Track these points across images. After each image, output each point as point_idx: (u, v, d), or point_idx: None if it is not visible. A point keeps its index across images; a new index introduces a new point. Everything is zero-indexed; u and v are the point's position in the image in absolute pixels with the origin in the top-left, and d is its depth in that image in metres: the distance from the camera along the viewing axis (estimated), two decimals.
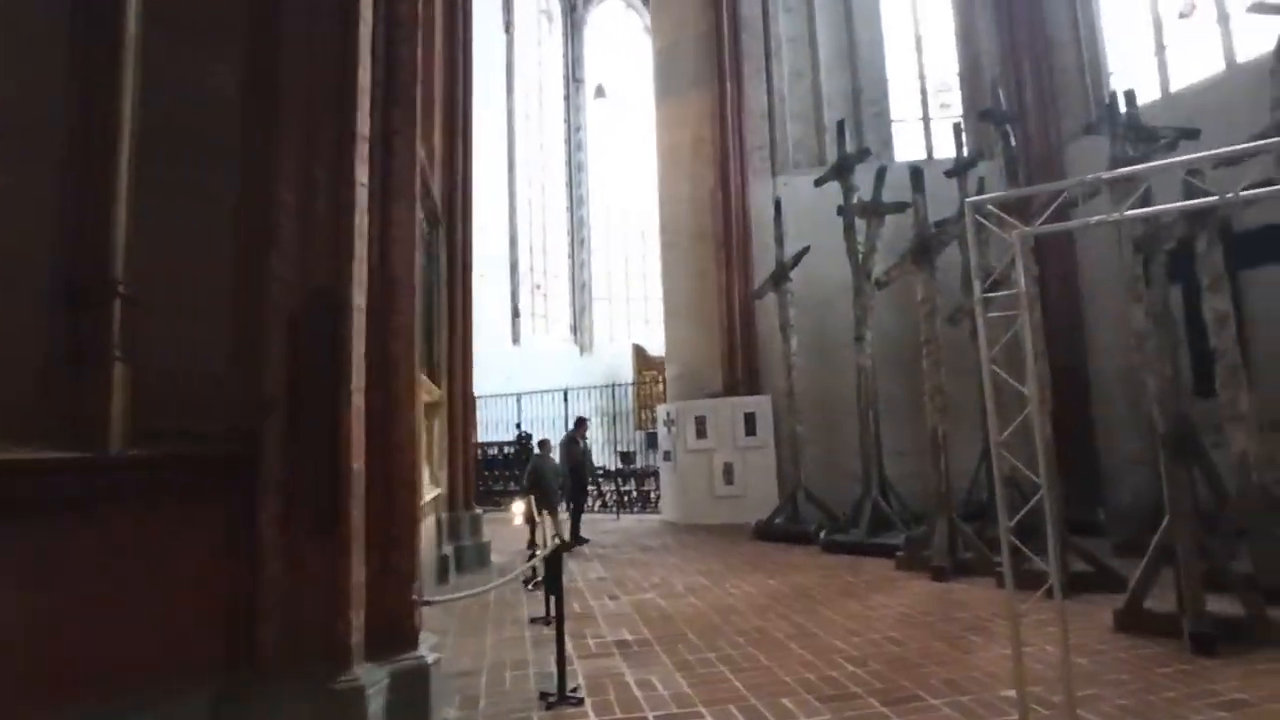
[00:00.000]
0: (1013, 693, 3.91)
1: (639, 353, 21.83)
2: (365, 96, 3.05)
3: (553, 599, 4.58)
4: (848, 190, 10.07)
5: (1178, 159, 4.10)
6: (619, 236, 25.33)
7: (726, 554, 8.76)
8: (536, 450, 10.29)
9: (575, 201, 23.95)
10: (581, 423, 10.75)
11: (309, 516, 2.75)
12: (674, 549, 9.36)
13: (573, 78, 24.13)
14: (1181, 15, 10.44)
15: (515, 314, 19.91)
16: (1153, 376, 7.45)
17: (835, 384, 11.75)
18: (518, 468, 16.16)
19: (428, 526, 7.36)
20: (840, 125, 10.67)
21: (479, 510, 9.67)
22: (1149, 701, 3.80)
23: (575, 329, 23.27)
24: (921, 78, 12.83)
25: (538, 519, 6.93)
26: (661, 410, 12.57)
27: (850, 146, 10.54)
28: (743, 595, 6.64)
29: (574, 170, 23.96)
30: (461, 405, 9.28)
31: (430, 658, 3.17)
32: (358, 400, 2.92)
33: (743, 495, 11.20)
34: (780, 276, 10.00)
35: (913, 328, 11.88)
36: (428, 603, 3.43)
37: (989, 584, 6.58)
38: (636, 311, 25.03)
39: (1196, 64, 10.21)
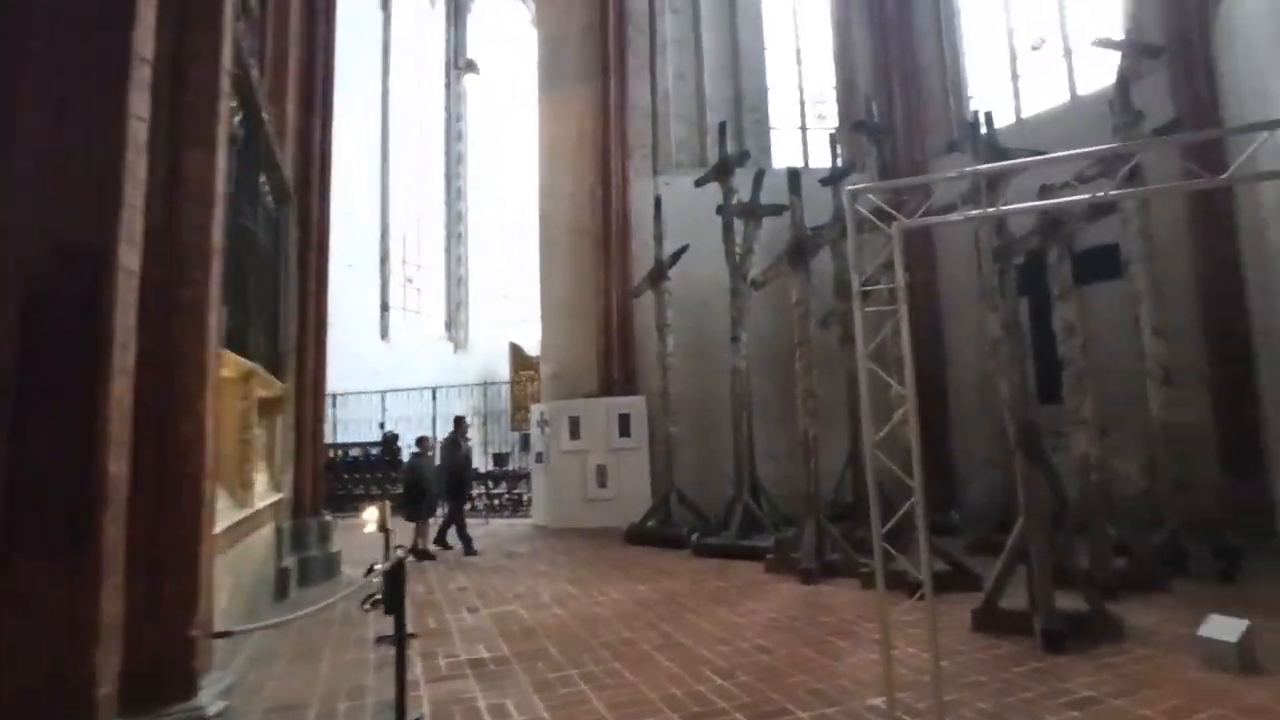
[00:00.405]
0: (879, 701, 3.80)
1: (516, 351, 21.12)
2: (150, 6, 2.43)
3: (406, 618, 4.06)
4: (728, 192, 10.04)
5: (1060, 155, 4.12)
6: (499, 232, 24.54)
7: (597, 560, 8.42)
8: (414, 450, 9.61)
9: (454, 194, 22.96)
10: (461, 423, 10.02)
11: (41, 531, 2.12)
12: (543, 555, 8.93)
13: (455, 65, 23.14)
14: (1033, 48, 11.19)
15: (384, 308, 18.76)
16: (1006, 383, 7.80)
17: (711, 385, 11.73)
18: (382, 470, 15.15)
19: (263, 537, 6.55)
20: (722, 127, 10.64)
21: (331, 517, 8.83)
22: (1007, 704, 3.78)
23: (450, 325, 22.27)
24: (800, 89, 13.12)
25: (392, 527, 6.32)
26: (535, 410, 12.10)
27: (731, 149, 10.55)
28: (611, 604, 6.31)
29: (453, 161, 22.96)
30: (312, 402, 8.41)
31: (213, 707, 2.59)
32: (121, 388, 2.31)
33: (616, 498, 10.92)
34: (659, 275, 9.81)
35: (787, 330, 12.05)
36: (222, 634, 2.84)
37: (854, 585, 6.61)
38: (515, 309, 24.27)
39: (1045, 94, 10.97)
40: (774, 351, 11.44)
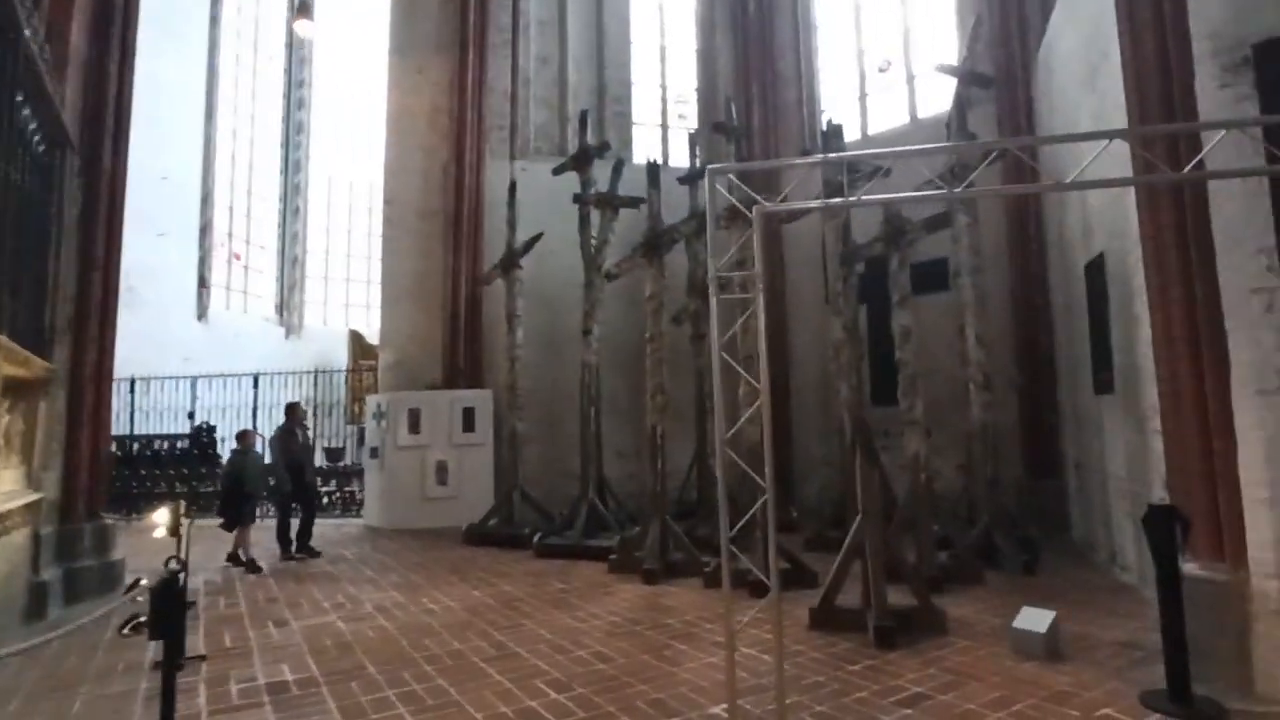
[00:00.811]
0: (721, 709, 3.63)
1: (357, 340, 19.74)
2: None
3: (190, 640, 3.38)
4: (585, 182, 9.75)
5: (929, 146, 4.12)
6: (343, 211, 22.86)
7: (431, 563, 7.83)
8: (236, 445, 8.34)
9: (292, 165, 21.04)
10: (296, 410, 8.85)
11: None
12: (371, 559, 8.19)
13: (291, 10, 21.17)
14: (880, 70, 11.80)
15: (202, 284, 16.79)
16: (845, 384, 8.06)
17: (560, 380, 11.42)
18: (190, 466, 13.47)
19: (11, 545, 5.44)
20: (584, 116, 10.33)
21: (115, 519, 7.61)
22: (844, 705, 3.74)
23: (282, 308, 20.40)
24: (663, 86, 13.10)
25: (183, 531, 5.46)
26: (371, 402, 11.20)
27: (592, 139, 10.28)
28: (442, 612, 5.80)
29: (292, 130, 21.05)
30: (94, 386, 7.17)
31: None
32: None
33: (456, 496, 10.31)
34: (510, 263, 9.35)
35: (638, 326, 11.98)
36: None
37: (697, 585, 6.52)
38: (358, 295, 22.74)
39: (889, 114, 11.61)
40: (625, 347, 11.31)
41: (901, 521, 6.82)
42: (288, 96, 20.93)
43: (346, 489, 12.76)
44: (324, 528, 10.86)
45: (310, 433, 9.14)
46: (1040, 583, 6.37)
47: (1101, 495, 7.06)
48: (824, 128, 9.46)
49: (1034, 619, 4.53)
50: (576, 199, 9.07)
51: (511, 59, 11.86)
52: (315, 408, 12.62)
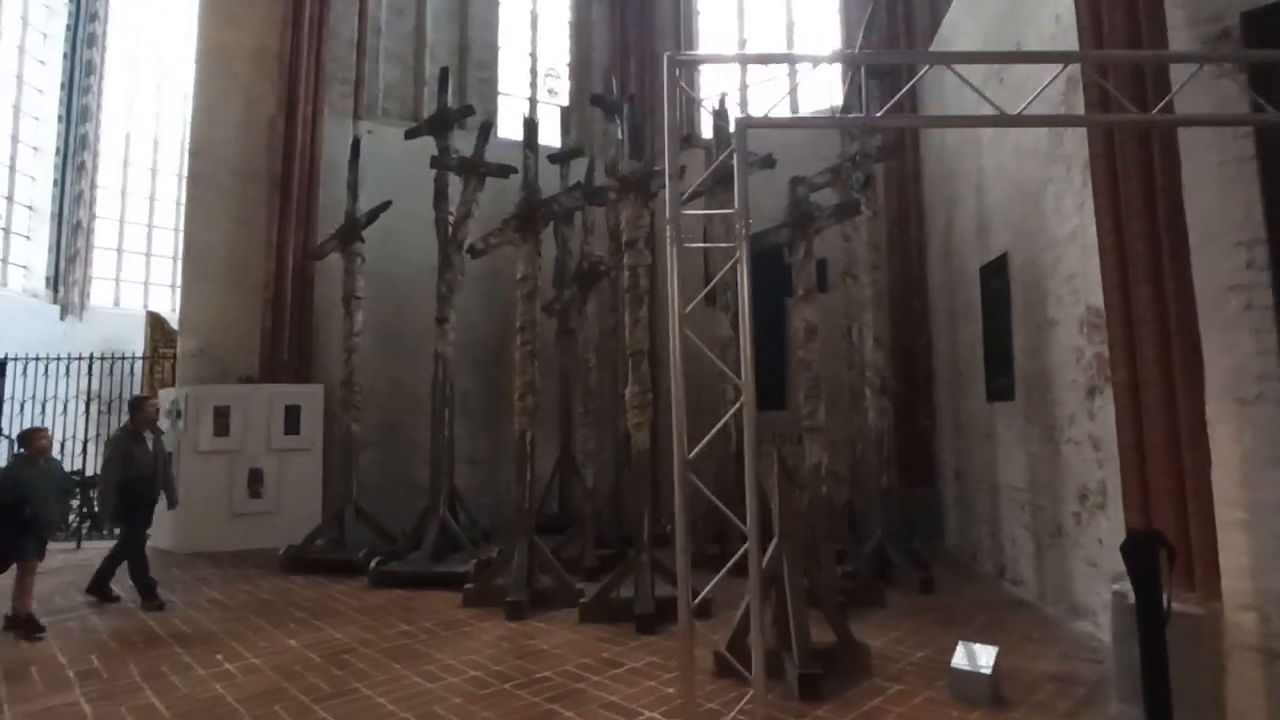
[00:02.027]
0: None
1: (157, 324, 16.73)
2: None
3: None
4: (444, 149, 8.45)
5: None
6: (144, 175, 19.54)
7: (237, 600, 6.23)
8: (18, 450, 5.93)
9: (77, 113, 17.55)
10: (142, 407, 6.47)
11: None
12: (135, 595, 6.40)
13: None
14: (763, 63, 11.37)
15: None
16: (731, 387, 7.35)
17: (403, 377, 9.99)
18: None
19: None
20: (444, 74, 9.00)
21: None
22: None
23: (56, 282, 16.95)
24: (533, 56, 11.95)
25: None
26: (165, 397, 9.15)
27: (454, 103, 8.99)
28: (244, 677, 4.38)
29: (80, 70, 17.57)
30: None
31: None
32: None
33: (275, 512, 8.59)
34: (350, 233, 7.84)
35: (494, 319, 10.84)
36: None
37: (571, 619, 5.51)
38: (162, 272, 19.54)
39: (769, 106, 11.20)
40: (479, 342, 10.08)
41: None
42: (73, 29, 17.48)
43: None
44: (94, 553, 8.72)
45: (161, 435, 6.54)
46: (940, 602, 5.97)
47: (989, 506, 6.85)
48: (715, 107, 8.85)
49: (974, 657, 3.96)
50: (435, 163, 7.75)
51: (359, 2, 10.24)
52: (90, 402, 10.22)
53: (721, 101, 8.14)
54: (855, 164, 6.97)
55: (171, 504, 6.59)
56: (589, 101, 9.38)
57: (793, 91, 10.99)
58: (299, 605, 5.97)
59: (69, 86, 17.48)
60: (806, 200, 5.95)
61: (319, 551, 7.39)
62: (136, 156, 19.40)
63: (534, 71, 11.93)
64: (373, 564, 6.69)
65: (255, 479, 8.60)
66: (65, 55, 17.44)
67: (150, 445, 6.33)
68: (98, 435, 11.60)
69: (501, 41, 11.59)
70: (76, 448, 10.56)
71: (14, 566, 5.44)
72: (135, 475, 6.14)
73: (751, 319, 2.98)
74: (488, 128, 7.74)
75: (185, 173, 19.04)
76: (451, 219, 8.41)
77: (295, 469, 8.79)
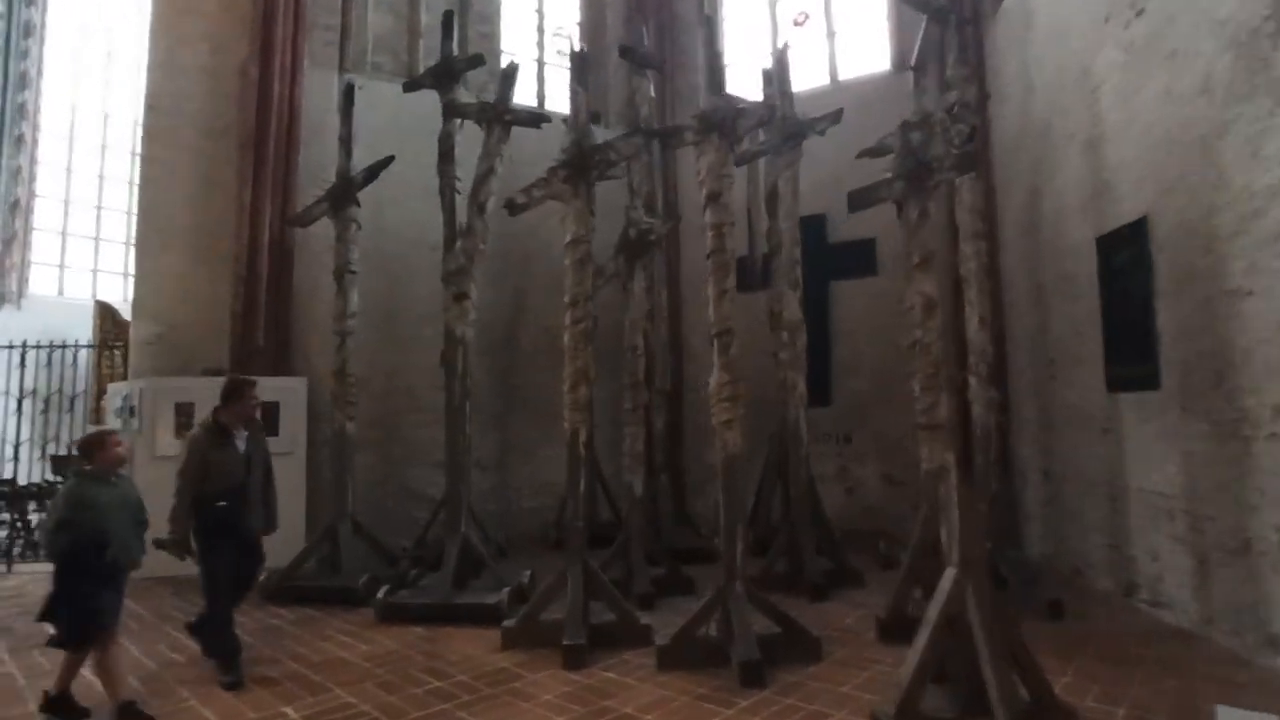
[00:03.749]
0: None
1: (107, 314, 15.11)
2: None
3: None
4: (449, 103, 7.23)
5: None
6: (92, 150, 17.77)
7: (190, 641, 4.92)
8: (77, 466, 4.02)
9: (14, 80, 15.78)
10: (241, 391, 4.61)
11: None
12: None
13: None
14: (795, 23, 10.35)
15: None
16: (798, 378, 6.28)
17: (399, 369, 8.76)
18: None
19: None
20: (448, 17, 7.76)
21: None
22: None
23: None
24: (540, 13, 10.73)
25: None
26: (115, 393, 7.75)
27: (458, 50, 7.78)
28: None
29: (16, 32, 15.81)
30: None
31: None
32: None
33: None
34: (344, 195, 6.55)
35: (510, 302, 9.61)
36: None
37: (644, 665, 4.36)
38: (112, 258, 17.80)
39: (806, 74, 10.15)
40: (485, 324, 8.83)
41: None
42: None
43: None
44: (27, 577, 7.31)
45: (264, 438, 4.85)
46: (1077, 630, 4.95)
47: (1108, 512, 5.86)
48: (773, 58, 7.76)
49: None
50: (449, 110, 6.51)
51: None
52: (24, 399, 8.71)
53: (782, 56, 7.02)
54: (954, 116, 5.92)
55: (268, 528, 4.72)
56: (618, 55, 8.17)
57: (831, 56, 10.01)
58: (292, 653, 4.69)
59: (4, 50, 15.72)
60: (924, 148, 4.86)
61: (309, 577, 6.10)
62: (83, 132, 17.62)
63: (540, 30, 10.71)
64: (380, 593, 5.43)
65: None
66: (2, 15, 15.67)
67: (242, 448, 4.49)
68: (31, 438, 10.09)
69: None
70: (8, 452, 9.05)
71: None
72: (215, 490, 4.27)
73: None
74: (513, 71, 6.51)
75: (140, 131, 17.48)
76: (459, 184, 7.21)
77: (278, 476, 7.44)
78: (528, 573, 5.96)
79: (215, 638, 4.29)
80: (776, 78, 6.75)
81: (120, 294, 17.06)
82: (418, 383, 8.67)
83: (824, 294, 9.33)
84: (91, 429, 4.23)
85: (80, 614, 3.61)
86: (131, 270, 17.68)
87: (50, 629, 3.79)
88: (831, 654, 4.47)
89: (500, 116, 6.15)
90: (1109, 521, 5.86)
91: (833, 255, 9.35)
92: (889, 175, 4.98)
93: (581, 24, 10.86)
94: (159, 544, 4.14)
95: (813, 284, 7.99)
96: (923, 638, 3.30)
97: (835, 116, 6.67)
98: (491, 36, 10.12)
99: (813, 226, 8.56)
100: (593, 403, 5.17)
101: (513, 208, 4.99)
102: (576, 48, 5.49)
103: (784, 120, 6.46)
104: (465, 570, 5.73)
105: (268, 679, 4.22)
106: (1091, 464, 6.13)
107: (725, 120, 4.60)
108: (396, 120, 8.39)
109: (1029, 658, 3.35)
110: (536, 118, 6.32)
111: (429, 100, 7.91)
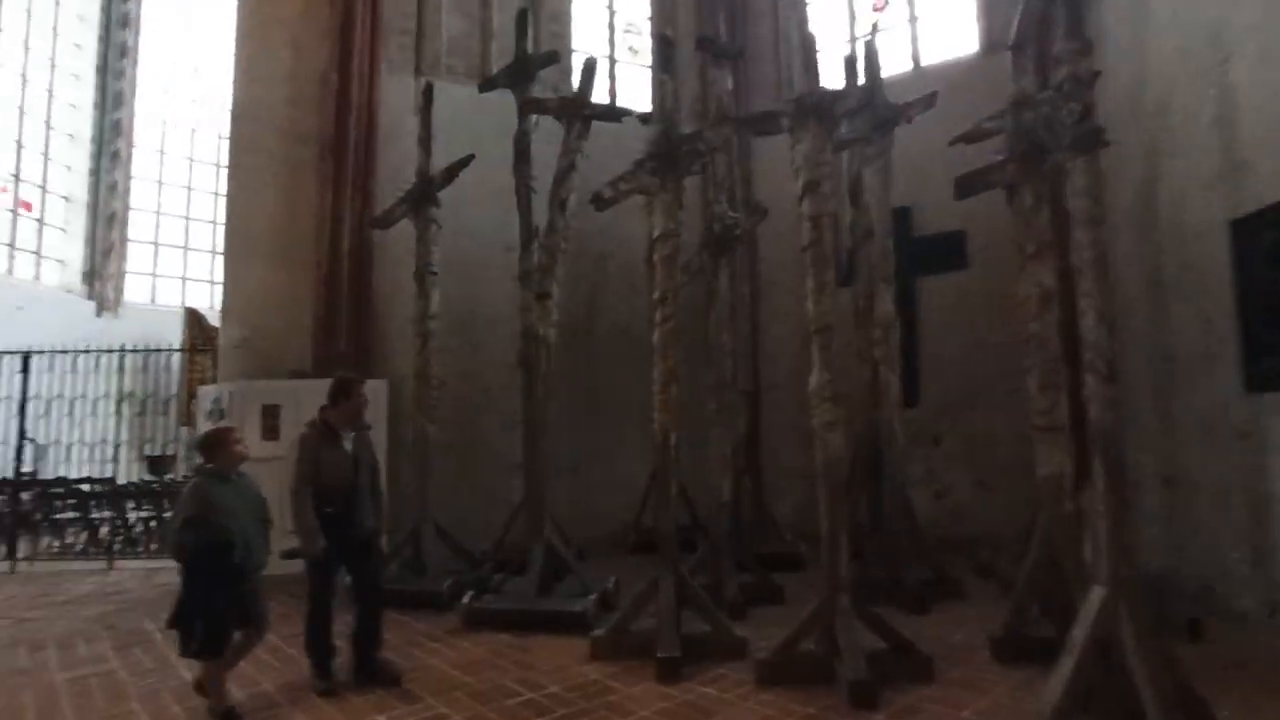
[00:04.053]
0: None
1: (196, 320, 15.78)
2: None
3: None
4: (527, 101, 7.18)
5: None
6: (181, 165, 18.59)
7: (295, 647, 4.92)
8: (199, 463, 3.87)
9: (111, 99, 16.64)
10: (349, 389, 4.46)
11: None
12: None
13: None
14: (875, 9, 9.95)
15: None
16: (894, 377, 5.93)
17: (475, 371, 8.74)
18: None
19: None
20: (522, 15, 7.73)
21: None
22: None
23: (92, 276, 16.04)
24: (611, 9, 10.61)
25: None
26: (205, 395, 7.96)
27: (533, 48, 7.72)
28: None
29: (113, 53, 16.67)
30: None
31: None
32: None
33: None
34: (424, 195, 6.54)
35: (583, 299, 9.49)
36: None
37: (742, 679, 4.13)
38: (200, 267, 18.58)
39: (886, 60, 9.73)
40: (559, 324, 8.67)
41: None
42: (107, 10, 16.56)
43: (165, 515, 9.30)
44: (127, 574, 7.56)
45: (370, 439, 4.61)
46: (1219, 654, 4.48)
47: (1250, 525, 5.31)
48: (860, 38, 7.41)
49: None
50: (527, 106, 6.43)
51: None
52: (121, 401, 9.06)
53: (871, 39, 6.67)
54: (1065, 93, 5.47)
55: (369, 537, 4.38)
56: (695, 46, 7.97)
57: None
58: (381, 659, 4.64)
59: (102, 70, 16.58)
60: (1047, 126, 4.48)
61: (393, 580, 6.06)
62: (173, 145, 18.44)
63: (611, 27, 10.59)
64: (465, 598, 5.35)
65: None
66: (100, 38, 16.53)
67: (350, 449, 4.28)
68: (129, 439, 10.53)
69: None
70: (108, 453, 9.43)
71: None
72: (325, 492, 4.11)
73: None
74: (593, 65, 6.37)
75: (226, 140, 18.17)
76: (534, 184, 7.14)
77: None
78: (612, 579, 5.79)
79: (312, 643, 4.23)
80: (866, 61, 6.40)
81: (207, 300, 17.81)
82: (493, 384, 8.65)
83: (910, 289, 8.89)
84: (211, 427, 4.11)
85: (210, 621, 3.52)
86: (217, 278, 18.50)
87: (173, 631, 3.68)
88: (945, 674, 4.14)
89: (581, 111, 6.02)
90: (1249, 535, 5.31)
91: (919, 249, 8.91)
92: (1000, 158, 4.63)
93: (652, 19, 10.69)
94: (287, 555, 4.08)
95: (897, 279, 7.67)
96: (1068, 663, 2.97)
97: (929, 101, 6.30)
98: (563, 35, 10.06)
99: (897, 219, 8.18)
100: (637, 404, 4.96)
101: (599, 202, 4.83)
102: (662, 36, 5.23)
103: (874, 106, 6.11)
104: (549, 575, 5.59)
105: (359, 687, 4.16)
106: (1226, 471, 5.58)
107: (823, 104, 4.33)
108: (470, 122, 8.37)
109: (1192, 690, 2.97)
110: (617, 111, 6.18)
111: (502, 101, 7.90)
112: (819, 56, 4.60)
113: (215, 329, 15.63)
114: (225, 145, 18.71)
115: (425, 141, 6.68)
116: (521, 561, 5.99)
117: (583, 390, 9.46)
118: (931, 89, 6.97)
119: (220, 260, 18.68)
